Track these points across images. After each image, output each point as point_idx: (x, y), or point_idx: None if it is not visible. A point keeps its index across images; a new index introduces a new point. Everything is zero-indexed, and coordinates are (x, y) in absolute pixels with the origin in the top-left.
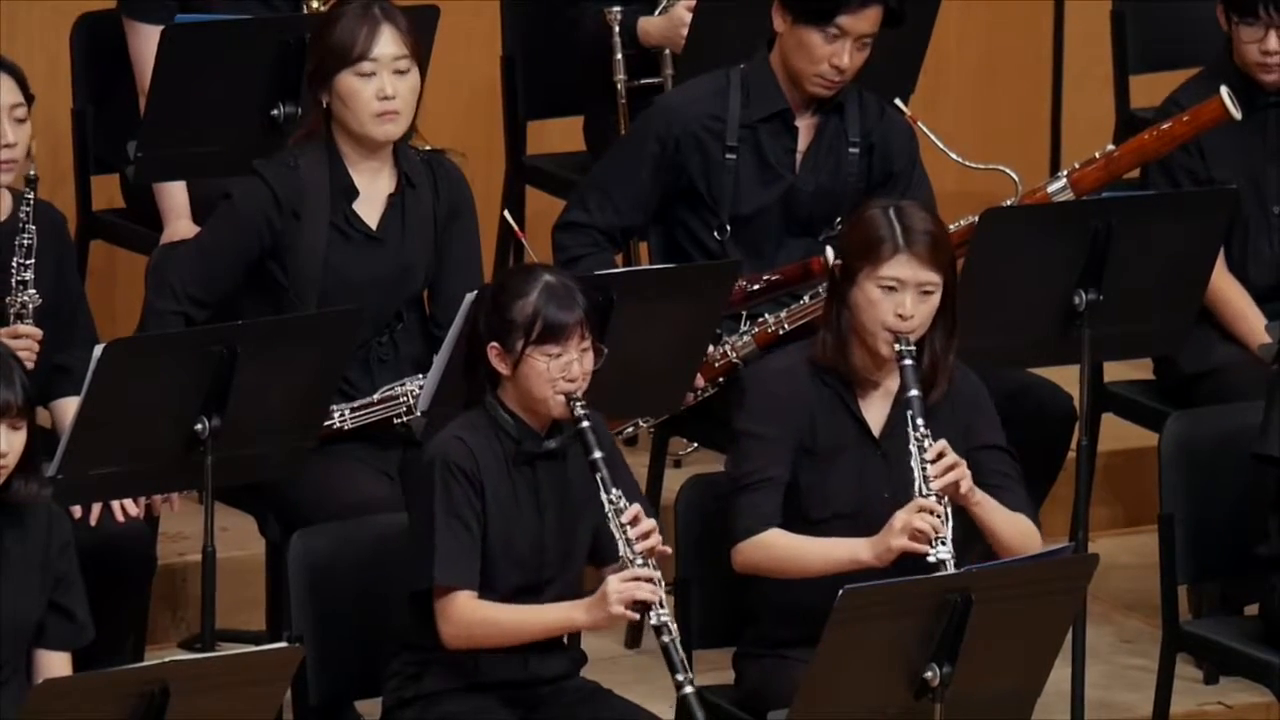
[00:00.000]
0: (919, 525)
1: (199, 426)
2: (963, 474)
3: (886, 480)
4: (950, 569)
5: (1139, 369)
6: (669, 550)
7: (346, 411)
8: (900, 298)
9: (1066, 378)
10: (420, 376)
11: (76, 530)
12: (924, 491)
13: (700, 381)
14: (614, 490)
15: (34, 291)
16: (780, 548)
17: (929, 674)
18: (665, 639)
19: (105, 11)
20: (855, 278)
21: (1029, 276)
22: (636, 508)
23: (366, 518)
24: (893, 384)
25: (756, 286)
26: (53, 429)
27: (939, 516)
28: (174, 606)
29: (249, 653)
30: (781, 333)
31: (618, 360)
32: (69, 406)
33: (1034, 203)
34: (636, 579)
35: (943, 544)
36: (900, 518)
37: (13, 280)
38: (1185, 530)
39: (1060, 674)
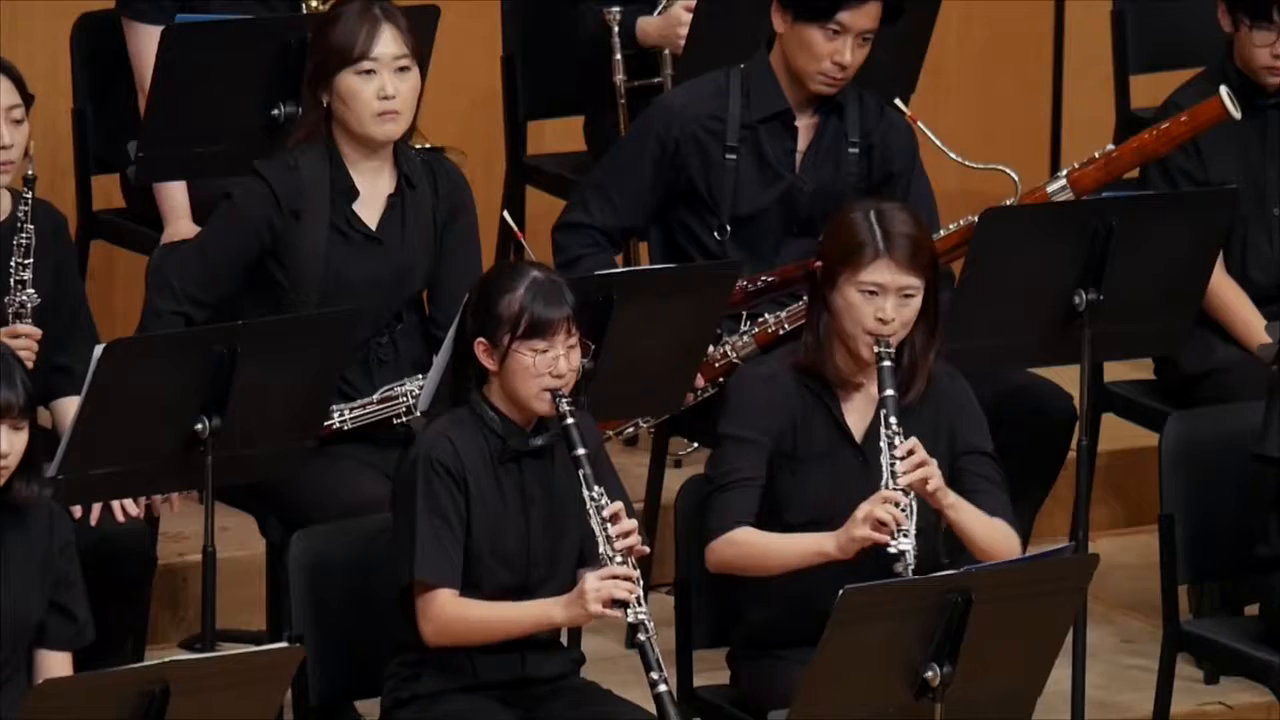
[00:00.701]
0: (880, 515)
1: (199, 426)
2: (931, 472)
3: (865, 485)
4: (910, 559)
5: (1139, 369)
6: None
7: (346, 412)
8: (881, 302)
9: (1067, 377)
10: (420, 377)
11: (76, 530)
12: (890, 485)
13: (700, 381)
14: (596, 488)
15: (33, 291)
16: (749, 544)
17: (929, 674)
18: (641, 637)
19: (105, 11)
20: (836, 281)
21: (1029, 276)
22: (618, 505)
23: (366, 518)
24: (875, 388)
25: (756, 286)
26: (53, 429)
27: (902, 509)
28: (174, 606)
29: (249, 653)
30: (782, 333)
31: (618, 360)
32: (69, 406)
33: (1034, 202)
34: (614, 576)
35: (905, 535)
36: (863, 508)
37: (11, 280)
38: (1185, 530)
39: (1060, 674)
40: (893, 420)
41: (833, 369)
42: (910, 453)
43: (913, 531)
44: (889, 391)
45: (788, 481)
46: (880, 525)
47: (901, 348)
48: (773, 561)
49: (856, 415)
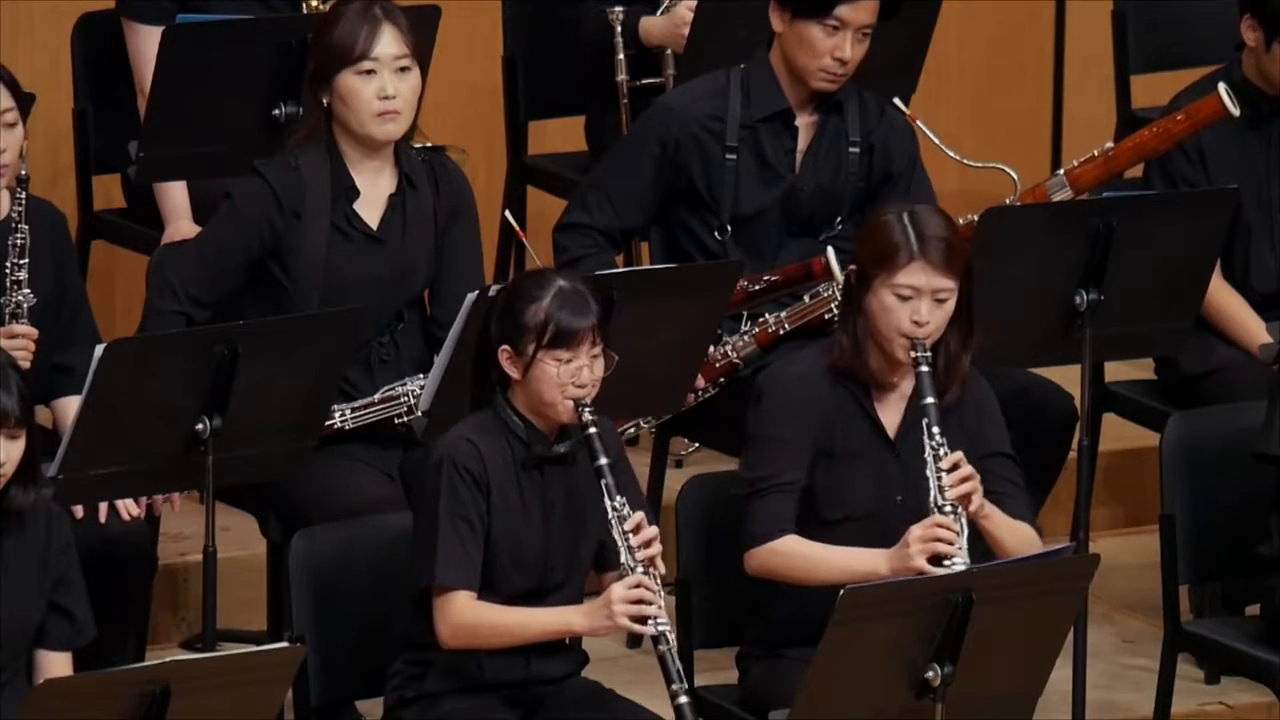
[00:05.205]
0: (936, 547)
1: (200, 426)
2: (977, 487)
3: (901, 483)
4: None
5: (1140, 369)
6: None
7: (347, 411)
8: (916, 304)
9: (1068, 378)
10: (421, 376)
11: (76, 530)
12: (939, 501)
13: (701, 382)
14: (618, 497)
15: (29, 291)
16: (797, 555)
17: (930, 674)
18: (663, 648)
19: (105, 11)
20: (870, 284)
21: (1030, 276)
22: (640, 515)
23: (367, 518)
24: (908, 386)
25: (757, 287)
26: (54, 428)
27: (955, 530)
28: (175, 606)
29: (250, 653)
30: (782, 333)
31: (619, 360)
32: (70, 406)
33: (1032, 200)
34: (640, 586)
35: (958, 552)
36: (916, 533)
37: (7, 280)
38: (1186, 530)
39: (1061, 674)
40: (935, 430)
41: (869, 371)
42: (955, 466)
43: (965, 547)
44: (929, 400)
45: (824, 479)
46: (937, 551)
47: (936, 349)
48: (823, 574)
49: (890, 413)
